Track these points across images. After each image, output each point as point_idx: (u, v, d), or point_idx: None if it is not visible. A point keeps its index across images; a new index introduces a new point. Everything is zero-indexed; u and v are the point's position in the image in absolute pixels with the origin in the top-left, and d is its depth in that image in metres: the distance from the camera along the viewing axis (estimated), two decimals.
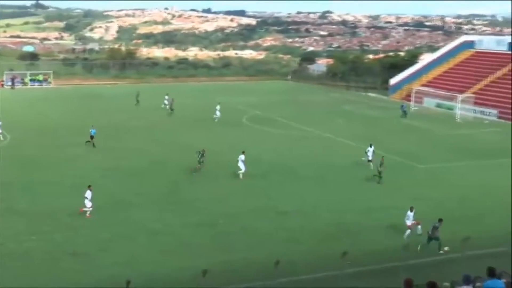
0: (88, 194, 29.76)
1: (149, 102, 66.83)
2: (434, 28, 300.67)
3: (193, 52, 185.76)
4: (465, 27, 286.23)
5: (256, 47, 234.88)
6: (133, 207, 31.23)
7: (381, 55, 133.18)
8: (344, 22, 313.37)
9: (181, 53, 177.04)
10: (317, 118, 61.36)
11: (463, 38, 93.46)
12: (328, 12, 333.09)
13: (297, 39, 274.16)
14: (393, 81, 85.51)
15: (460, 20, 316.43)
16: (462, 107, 65.84)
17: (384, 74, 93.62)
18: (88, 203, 29.75)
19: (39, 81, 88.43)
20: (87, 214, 29.82)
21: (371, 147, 41.26)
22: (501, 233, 26.12)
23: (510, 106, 63.46)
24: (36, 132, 50.88)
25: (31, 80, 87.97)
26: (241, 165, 37.86)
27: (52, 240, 26.46)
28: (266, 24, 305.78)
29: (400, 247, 21.83)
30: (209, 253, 25.38)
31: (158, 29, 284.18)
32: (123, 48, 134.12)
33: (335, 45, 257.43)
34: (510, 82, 71.98)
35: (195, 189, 35.28)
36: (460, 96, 67.15)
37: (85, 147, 45.13)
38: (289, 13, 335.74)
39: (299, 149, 46.58)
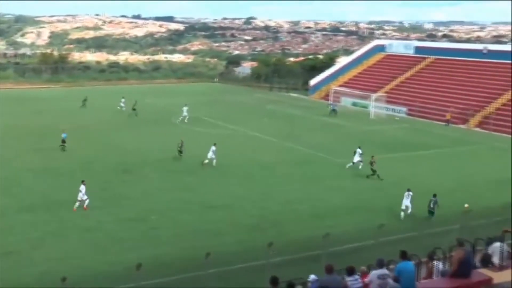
0: (82, 188, 30.08)
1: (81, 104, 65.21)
2: (349, 33, 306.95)
3: (124, 56, 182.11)
4: (377, 32, 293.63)
5: (184, 51, 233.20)
6: (65, 206, 30.22)
7: (302, 58, 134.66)
8: (267, 28, 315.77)
9: (112, 57, 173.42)
10: (243, 118, 61.39)
11: (375, 42, 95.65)
12: (252, 18, 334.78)
13: (223, 43, 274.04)
14: (312, 82, 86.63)
15: (372, 26, 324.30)
16: (375, 106, 67.35)
17: (305, 76, 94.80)
18: (84, 196, 30.07)
19: None
20: (84, 206, 29.96)
21: (360, 148, 40.71)
22: (411, 219, 26.80)
23: (417, 104, 65.36)
24: None
25: None
26: (211, 154, 40.11)
27: None
28: (194, 29, 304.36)
29: (321, 236, 21.98)
30: (140, 247, 24.94)
31: (90, 34, 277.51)
32: (55, 52, 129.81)
33: (259, 49, 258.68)
34: (417, 82, 74.27)
35: (125, 186, 34.60)
36: (374, 95, 68.69)
37: (18, 148, 43.53)
38: (215, 19, 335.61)
39: (226, 147, 46.37)
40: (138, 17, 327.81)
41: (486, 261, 16.53)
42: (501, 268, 15.37)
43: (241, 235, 27.06)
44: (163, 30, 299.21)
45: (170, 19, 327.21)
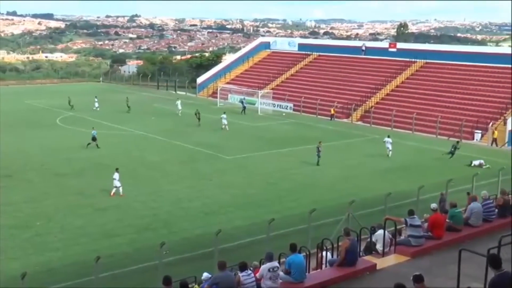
0: (116, 175, 32.22)
1: None
2: (234, 30, 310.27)
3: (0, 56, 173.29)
4: (262, 29, 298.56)
5: (66, 50, 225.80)
6: None
7: (188, 56, 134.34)
8: (152, 25, 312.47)
9: None
10: (130, 117, 60.33)
11: (260, 40, 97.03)
12: (136, 16, 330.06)
13: (107, 41, 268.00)
14: (200, 80, 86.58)
15: (257, 23, 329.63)
16: (262, 102, 68.48)
17: (192, 74, 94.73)
18: (117, 183, 32.19)
19: None
20: (121, 194, 32.24)
21: (388, 137, 44.24)
22: (300, 212, 27.51)
23: (303, 99, 67.15)
24: None
25: None
26: (225, 122, 53.79)
27: None
28: (75, 27, 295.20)
29: (213, 233, 22.11)
30: (25, 255, 23.84)
31: None
32: None
33: (144, 47, 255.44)
34: (301, 78, 76.32)
35: (7, 192, 32.88)
36: (260, 92, 69.81)
37: None
38: (98, 17, 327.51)
39: (113, 147, 45.46)
40: (13, 13, 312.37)
41: (371, 249, 17.40)
42: (384, 254, 16.25)
43: (133, 236, 26.65)
44: (43, 28, 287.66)
45: (49, 16, 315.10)
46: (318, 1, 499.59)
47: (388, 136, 44.62)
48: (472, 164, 40.81)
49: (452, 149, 42.80)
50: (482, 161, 41.09)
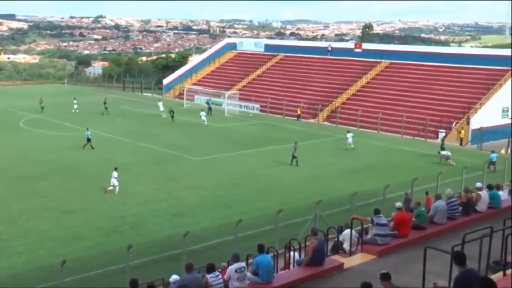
0: (115, 174, 32.76)
1: None
2: (201, 31, 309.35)
3: None
4: (228, 30, 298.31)
5: (29, 51, 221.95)
6: None
7: (154, 57, 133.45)
8: (117, 26, 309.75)
9: None
10: (95, 119, 59.61)
11: (227, 41, 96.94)
12: (101, 16, 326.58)
13: (71, 42, 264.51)
14: (166, 81, 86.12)
15: (223, 24, 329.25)
16: (229, 103, 68.42)
17: (158, 75, 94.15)
18: (116, 182, 32.65)
19: None
20: (116, 192, 32.69)
21: (349, 133, 47.32)
22: (268, 212, 27.57)
23: (269, 100, 67.30)
24: None
25: None
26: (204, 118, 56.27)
27: None
28: (39, 28, 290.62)
29: (181, 234, 22.03)
30: None
31: None
32: None
33: (110, 48, 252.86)
34: (268, 79, 76.49)
35: None
36: (227, 93, 69.76)
37: None
38: (62, 17, 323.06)
39: (80, 150, 44.85)
40: None
41: (338, 248, 17.54)
42: (351, 253, 16.39)
43: (100, 238, 26.40)
44: (4, 28, 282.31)
45: (11, 16, 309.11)
46: (284, 1, 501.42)
47: (349, 132, 47.76)
48: (441, 155, 42.37)
49: (441, 144, 45.81)
50: (449, 153, 42.39)
